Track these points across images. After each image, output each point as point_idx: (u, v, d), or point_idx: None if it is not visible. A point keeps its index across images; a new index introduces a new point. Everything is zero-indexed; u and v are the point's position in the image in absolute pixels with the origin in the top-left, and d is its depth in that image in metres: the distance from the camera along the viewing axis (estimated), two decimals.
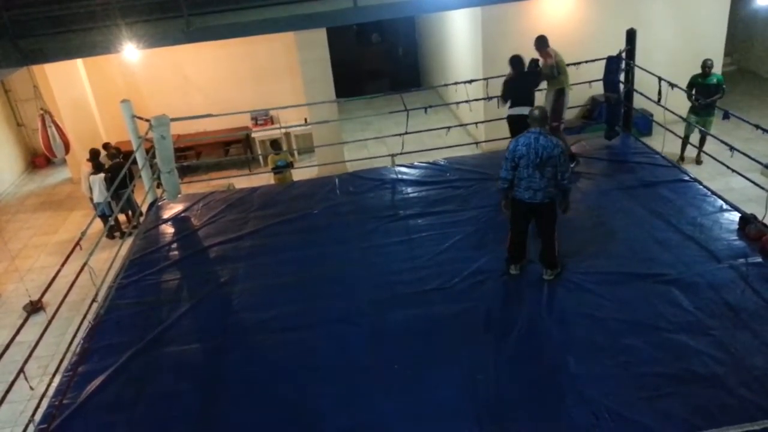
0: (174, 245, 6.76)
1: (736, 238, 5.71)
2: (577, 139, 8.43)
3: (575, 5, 11.00)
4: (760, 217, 5.66)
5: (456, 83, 8.81)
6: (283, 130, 11.95)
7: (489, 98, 7.96)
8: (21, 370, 4.40)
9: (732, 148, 6.21)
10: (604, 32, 10.14)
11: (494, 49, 10.44)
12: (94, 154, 9.85)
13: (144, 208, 8.12)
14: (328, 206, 7.22)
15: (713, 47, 11.06)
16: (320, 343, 5.04)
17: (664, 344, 4.57)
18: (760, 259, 5.36)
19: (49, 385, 4.79)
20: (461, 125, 11.50)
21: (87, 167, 9.87)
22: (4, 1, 8.03)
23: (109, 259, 6.76)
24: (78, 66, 11.51)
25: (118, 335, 5.34)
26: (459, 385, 4.44)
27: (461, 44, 12.38)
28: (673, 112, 7.49)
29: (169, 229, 7.18)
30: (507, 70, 7.13)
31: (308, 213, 7.11)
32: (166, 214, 7.51)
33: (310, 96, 10.76)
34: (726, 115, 6.61)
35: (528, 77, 7.01)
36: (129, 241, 7.49)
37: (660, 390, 4.18)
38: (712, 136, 7.59)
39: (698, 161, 9.98)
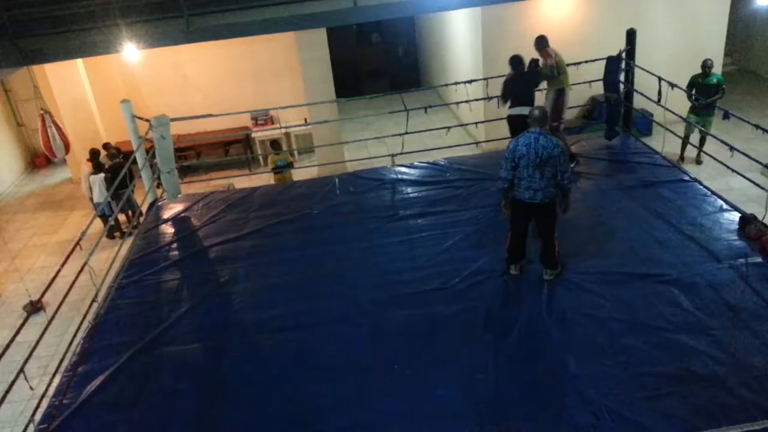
0: (174, 245, 6.76)
1: (736, 238, 5.71)
2: (577, 139, 8.43)
3: (575, 5, 11.00)
4: (760, 217, 5.66)
5: (456, 83, 8.81)
6: (283, 130, 11.95)
7: (489, 98, 7.96)
8: (21, 370, 4.40)
9: (732, 148, 6.20)
10: (604, 32, 10.14)
11: (494, 49, 10.44)
12: (94, 154, 9.85)
13: (144, 208, 8.12)
14: (328, 206, 7.22)
15: (713, 47, 11.07)
16: (320, 342, 5.04)
17: (664, 344, 4.57)
18: (760, 259, 5.36)
19: (49, 385, 4.79)
20: (461, 125, 11.50)
21: (87, 167, 9.87)
22: (4, 1, 8.03)
23: (109, 259, 6.76)
24: (78, 66, 11.51)
25: (118, 335, 5.34)
26: (459, 384, 4.44)
27: (461, 44, 12.38)
28: (673, 112, 7.49)
29: (169, 229, 7.18)
30: (507, 70, 7.13)
31: (308, 213, 7.11)
32: (166, 214, 7.51)
33: (310, 96, 10.76)
34: (726, 115, 6.61)
35: (528, 77, 7.01)
36: (129, 241, 7.49)
37: (660, 390, 4.18)
38: (712, 136, 7.59)
39: (698, 161, 9.99)
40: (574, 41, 10.19)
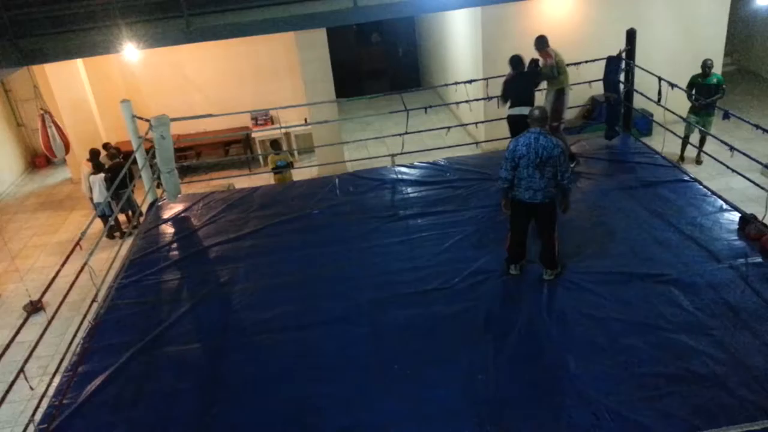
0: (174, 245, 6.76)
1: (736, 238, 5.71)
2: (577, 139, 8.43)
3: (575, 5, 11.00)
4: (760, 217, 5.67)
5: (456, 83, 8.81)
6: (283, 130, 11.95)
7: (489, 98, 7.96)
8: (21, 370, 4.40)
9: (732, 148, 6.21)
10: (604, 32, 10.15)
11: (494, 49, 10.44)
12: (94, 154, 9.85)
13: (144, 208, 8.12)
14: (328, 206, 7.22)
15: (713, 47, 11.07)
16: (320, 342, 5.04)
17: (664, 344, 4.58)
18: (760, 259, 5.36)
19: (49, 385, 4.79)
20: (461, 125, 11.50)
21: (87, 167, 9.87)
22: (4, 1, 8.02)
23: (109, 259, 6.76)
24: (78, 66, 11.51)
25: (118, 335, 5.34)
26: (459, 384, 4.44)
27: (461, 44, 12.38)
28: (673, 112, 7.49)
29: (169, 229, 7.18)
30: (507, 70, 7.13)
31: (308, 213, 7.11)
32: (166, 214, 7.51)
33: (310, 96, 10.77)
34: (726, 115, 6.61)
35: (528, 77, 7.01)
36: (129, 241, 7.49)
37: (660, 390, 4.18)
38: (712, 136, 7.59)
39: (698, 161, 9.99)
40: (574, 41, 10.19)
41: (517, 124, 6.57)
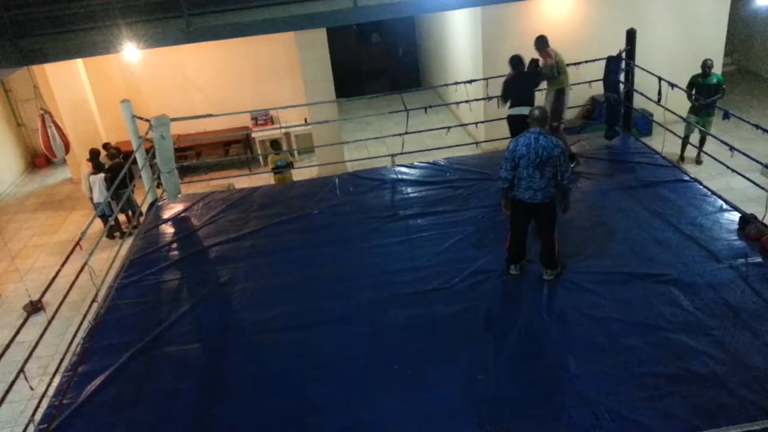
0: (174, 245, 6.77)
1: (736, 238, 5.71)
2: (577, 139, 8.43)
3: (575, 5, 11.00)
4: (760, 217, 5.67)
5: (456, 83, 8.82)
6: (283, 130, 11.95)
7: (489, 98, 7.96)
8: (21, 370, 4.40)
9: (732, 148, 6.21)
10: (604, 32, 10.15)
11: (494, 49, 10.45)
12: (94, 154, 9.85)
13: (144, 208, 8.13)
14: (328, 206, 7.22)
15: (713, 47, 11.07)
16: (320, 342, 5.04)
17: (664, 344, 4.58)
18: (760, 259, 5.36)
19: (49, 385, 4.79)
20: (461, 125, 11.51)
21: (87, 167, 9.87)
22: (4, 1, 8.02)
23: (109, 259, 6.76)
24: (78, 66, 11.51)
25: (118, 335, 5.34)
26: (459, 384, 4.44)
27: (461, 44, 12.39)
28: (673, 112, 7.49)
29: (169, 229, 7.18)
30: (507, 70, 7.14)
31: (308, 213, 7.12)
32: (166, 214, 7.51)
33: (310, 96, 10.77)
34: (726, 115, 6.61)
35: (528, 77, 7.01)
36: (129, 241, 7.49)
37: (660, 390, 4.18)
38: (712, 136, 7.59)
39: (698, 161, 9.99)
40: (574, 41, 10.19)
41: (517, 124, 6.57)
